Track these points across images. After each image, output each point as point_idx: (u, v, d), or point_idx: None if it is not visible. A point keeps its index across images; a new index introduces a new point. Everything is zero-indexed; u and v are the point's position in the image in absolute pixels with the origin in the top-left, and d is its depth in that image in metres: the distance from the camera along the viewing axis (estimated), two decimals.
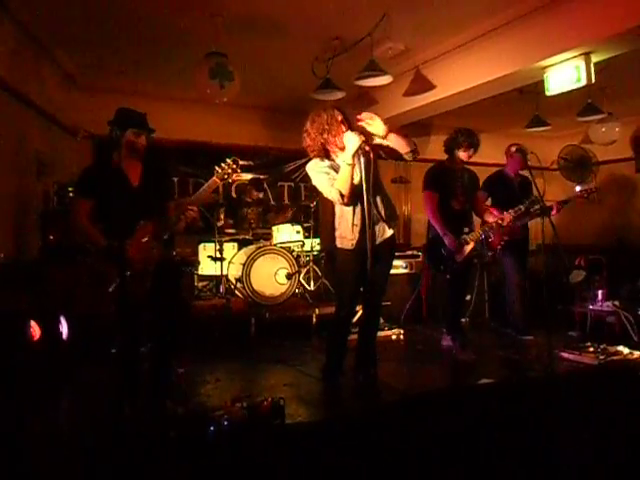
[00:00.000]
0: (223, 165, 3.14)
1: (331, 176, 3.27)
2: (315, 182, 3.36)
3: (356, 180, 3.15)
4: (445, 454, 2.17)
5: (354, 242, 3.31)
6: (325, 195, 3.34)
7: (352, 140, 3.00)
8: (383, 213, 3.37)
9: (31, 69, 4.81)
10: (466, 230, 4.24)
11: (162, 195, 3.14)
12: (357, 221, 3.28)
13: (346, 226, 3.35)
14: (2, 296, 3.53)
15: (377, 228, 3.33)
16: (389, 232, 3.41)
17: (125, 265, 2.82)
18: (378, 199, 3.32)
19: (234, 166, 3.13)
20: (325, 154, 3.33)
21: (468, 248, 4.19)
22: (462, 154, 4.22)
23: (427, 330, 5.44)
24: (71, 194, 3.07)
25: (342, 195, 3.16)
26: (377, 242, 3.31)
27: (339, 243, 3.44)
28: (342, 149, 3.21)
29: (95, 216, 2.96)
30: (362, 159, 2.95)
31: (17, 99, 4.46)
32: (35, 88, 4.82)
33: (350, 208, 3.29)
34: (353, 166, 3.08)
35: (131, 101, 6.16)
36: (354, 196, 3.20)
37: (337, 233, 3.46)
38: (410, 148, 3.18)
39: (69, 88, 5.86)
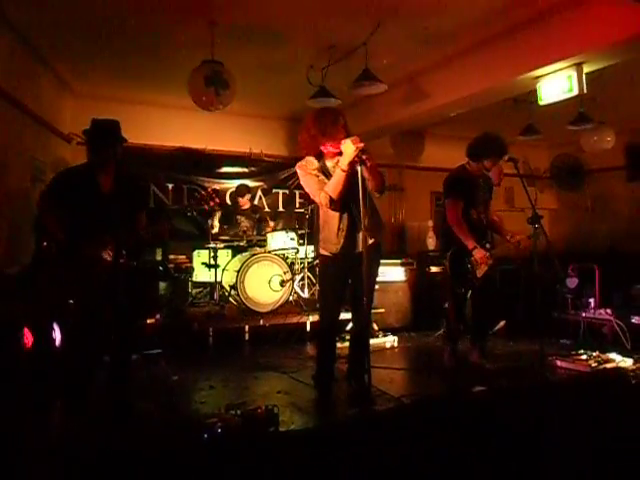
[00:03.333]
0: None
1: (320, 179, 3.26)
2: (303, 182, 3.34)
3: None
4: (439, 461, 2.18)
5: (338, 247, 3.31)
6: (312, 196, 3.33)
7: (349, 148, 2.97)
8: (367, 222, 3.37)
9: (27, 76, 4.81)
10: (488, 246, 3.95)
11: (133, 204, 3.19)
12: (343, 226, 3.29)
13: (330, 230, 3.33)
14: None
15: (359, 235, 3.26)
16: (371, 240, 3.37)
17: (88, 267, 2.89)
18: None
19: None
20: (317, 154, 3.32)
21: (489, 264, 3.90)
22: (488, 163, 3.94)
23: (422, 338, 5.46)
24: (41, 197, 3.17)
25: (331, 200, 3.15)
26: (360, 250, 3.20)
27: (322, 247, 3.43)
28: (336, 154, 3.20)
29: (65, 221, 3.01)
30: (358, 167, 2.94)
31: (13, 105, 4.46)
32: (31, 95, 4.82)
33: (337, 213, 3.28)
34: (347, 173, 3.06)
35: (125, 108, 6.22)
36: (342, 202, 3.20)
37: (320, 236, 3.45)
38: (376, 188, 3.21)
39: (64, 95, 5.87)
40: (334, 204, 3.17)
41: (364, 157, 2.95)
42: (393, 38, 4.65)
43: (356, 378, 3.45)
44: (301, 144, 3.31)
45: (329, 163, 3.31)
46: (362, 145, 2.95)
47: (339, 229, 3.29)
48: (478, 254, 3.85)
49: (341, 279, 3.39)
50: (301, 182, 3.38)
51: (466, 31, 4.60)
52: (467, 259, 3.91)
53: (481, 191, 4.07)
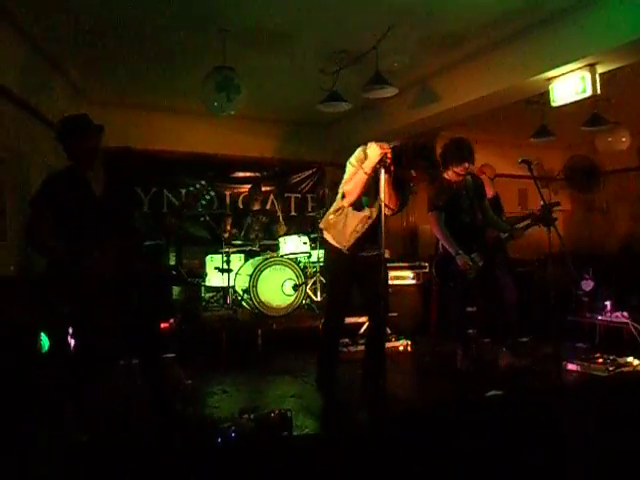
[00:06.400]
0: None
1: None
2: (348, 168, 3.23)
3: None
4: (452, 465, 2.16)
5: (347, 245, 3.33)
6: (343, 183, 3.27)
7: (375, 152, 2.96)
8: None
9: (42, 83, 4.88)
10: (475, 248, 4.04)
11: (126, 205, 3.07)
12: (360, 228, 3.29)
13: (347, 226, 3.32)
14: (13, 309, 3.55)
15: (375, 241, 3.22)
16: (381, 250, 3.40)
17: (89, 279, 2.78)
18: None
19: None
20: None
21: (478, 266, 4.00)
22: (457, 169, 4.00)
23: (436, 342, 5.41)
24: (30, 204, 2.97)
25: (344, 196, 3.20)
26: (372, 254, 3.29)
27: (331, 236, 3.40)
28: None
29: (57, 229, 2.84)
30: (382, 174, 2.90)
31: (28, 113, 4.52)
32: (45, 102, 4.88)
33: (358, 213, 3.28)
34: (369, 176, 3.06)
35: (139, 114, 6.27)
36: (357, 203, 3.23)
37: (330, 218, 3.39)
38: (389, 206, 3.13)
39: (79, 102, 5.94)
40: (347, 202, 3.21)
41: (389, 162, 2.92)
42: (404, 41, 4.64)
43: (371, 382, 3.44)
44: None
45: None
46: (389, 151, 2.92)
47: (354, 230, 3.30)
48: (459, 261, 3.93)
49: (350, 275, 3.41)
50: (349, 160, 3.24)
51: (477, 33, 4.58)
52: (454, 264, 3.97)
53: (465, 196, 4.12)
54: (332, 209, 3.45)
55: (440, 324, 5.63)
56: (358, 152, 3.21)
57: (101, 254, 2.80)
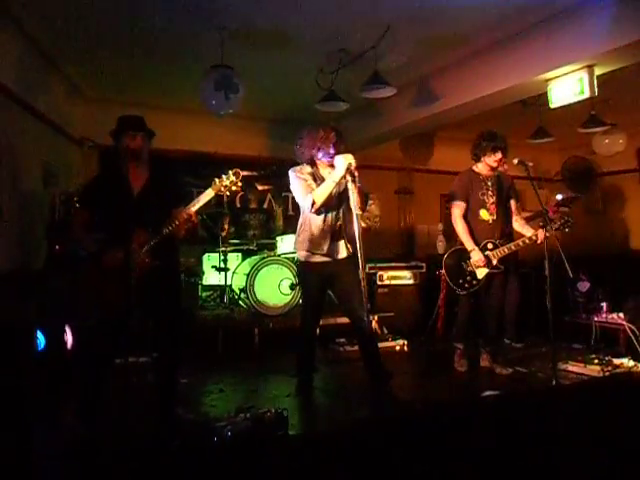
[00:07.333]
0: (223, 177, 2.99)
1: (309, 183, 3.47)
2: (293, 185, 3.56)
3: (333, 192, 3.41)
4: (448, 467, 2.16)
5: (325, 247, 3.48)
6: (297, 199, 3.55)
7: (342, 163, 3.16)
8: (348, 231, 3.56)
9: (38, 81, 4.86)
10: (490, 247, 4.01)
11: (166, 204, 3.01)
12: (327, 229, 3.49)
13: (313, 234, 3.49)
14: (8, 306, 3.54)
15: (341, 244, 3.55)
16: (347, 252, 3.58)
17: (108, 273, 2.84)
18: (348, 219, 3.55)
19: (233, 179, 2.97)
20: (312, 163, 3.57)
21: (491, 266, 3.98)
22: (489, 160, 4.03)
23: (436, 342, 5.42)
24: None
25: (313, 204, 3.35)
26: (339, 257, 3.54)
27: (304, 250, 3.55)
28: (328, 165, 3.43)
29: (96, 225, 2.99)
30: (349, 181, 3.13)
31: (25, 110, 4.51)
32: (42, 99, 4.87)
33: (321, 216, 3.47)
34: (336, 184, 3.31)
35: (137, 112, 6.21)
36: (327, 209, 3.46)
37: (300, 238, 3.59)
38: (359, 205, 3.19)
39: (76, 99, 5.92)
40: (314, 209, 3.38)
41: (355, 174, 3.12)
42: (402, 41, 4.64)
43: (381, 381, 3.47)
44: (299, 155, 3.65)
45: (323, 172, 3.53)
46: (353, 162, 3.12)
47: (322, 230, 3.49)
48: (474, 256, 3.95)
49: (324, 286, 3.64)
50: (291, 185, 3.58)
51: (476, 34, 4.58)
52: (467, 261, 3.99)
53: (491, 191, 4.10)
54: (297, 232, 3.64)
55: (447, 323, 5.63)
56: (291, 172, 3.58)
57: (125, 248, 2.79)
